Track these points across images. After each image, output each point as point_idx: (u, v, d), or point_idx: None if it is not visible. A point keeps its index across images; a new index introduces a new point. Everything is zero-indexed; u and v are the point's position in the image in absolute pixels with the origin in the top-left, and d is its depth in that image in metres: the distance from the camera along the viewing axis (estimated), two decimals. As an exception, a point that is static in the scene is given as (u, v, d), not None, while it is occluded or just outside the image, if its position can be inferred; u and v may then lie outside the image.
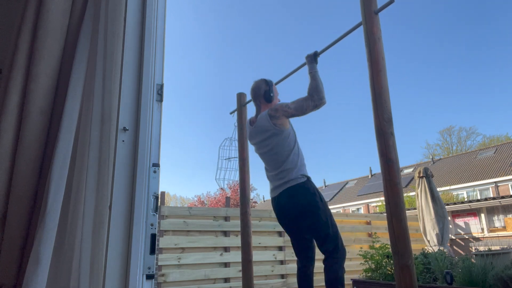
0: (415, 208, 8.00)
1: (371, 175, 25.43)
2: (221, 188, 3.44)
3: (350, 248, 6.14)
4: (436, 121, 42.30)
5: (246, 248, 3.18)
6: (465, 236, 9.09)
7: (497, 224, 8.94)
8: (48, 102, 1.14)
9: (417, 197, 6.79)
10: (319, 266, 2.59)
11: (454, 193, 18.54)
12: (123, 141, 1.21)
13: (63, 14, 1.20)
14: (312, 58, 2.61)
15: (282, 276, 5.26)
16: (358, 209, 21.95)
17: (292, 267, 5.33)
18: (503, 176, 17.75)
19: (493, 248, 6.04)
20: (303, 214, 2.44)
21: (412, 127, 44.95)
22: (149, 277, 1.17)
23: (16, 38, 1.16)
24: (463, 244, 8.97)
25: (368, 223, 6.70)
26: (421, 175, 6.76)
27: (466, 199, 16.82)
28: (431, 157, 26.32)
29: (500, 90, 40.29)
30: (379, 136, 1.98)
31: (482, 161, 20.46)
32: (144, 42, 1.32)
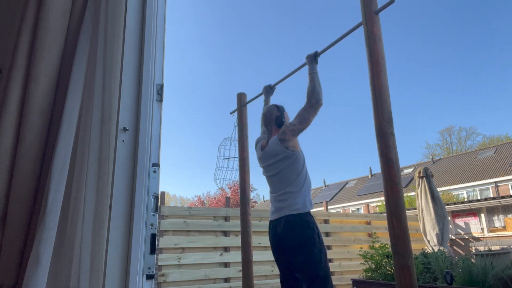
0: (415, 208, 8.00)
1: (371, 175, 25.43)
2: (221, 188, 3.43)
3: (350, 248, 6.14)
4: (436, 121, 42.33)
5: (246, 248, 3.18)
6: (465, 236, 9.09)
7: (497, 224, 8.94)
8: (48, 102, 1.14)
9: (417, 197, 6.79)
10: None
11: (454, 193, 18.55)
12: (123, 141, 1.21)
13: (63, 14, 1.20)
14: (312, 58, 2.61)
15: (282, 276, 5.26)
16: (358, 209, 21.95)
17: (292, 267, 5.33)
18: (503, 176, 17.75)
19: (493, 248, 6.04)
20: (298, 248, 2.34)
21: (412, 127, 44.97)
22: (149, 277, 1.17)
23: (16, 38, 1.16)
24: (463, 244, 8.97)
25: (368, 223, 6.70)
26: (421, 175, 6.76)
27: (466, 199, 16.82)
28: (431, 157, 26.32)
29: (500, 90, 40.32)
30: (379, 136, 1.98)
31: (482, 161, 20.46)
32: (144, 42, 1.32)
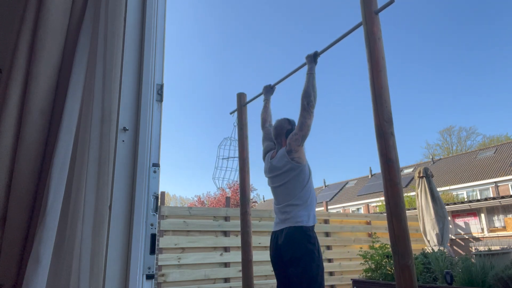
0: (415, 208, 8.00)
1: (371, 175, 25.43)
2: (220, 188, 3.43)
3: (350, 248, 6.14)
4: (436, 121, 42.33)
5: (246, 248, 3.18)
6: (465, 236, 9.09)
7: (497, 224, 8.94)
8: (48, 102, 1.14)
9: (417, 197, 6.79)
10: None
11: (454, 193, 18.55)
12: (123, 141, 1.21)
13: (63, 14, 1.20)
14: (312, 58, 2.61)
15: (282, 276, 5.26)
16: (358, 209, 21.95)
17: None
18: (503, 176, 17.75)
19: (493, 248, 6.04)
20: (296, 260, 2.32)
21: (412, 127, 44.97)
22: (149, 277, 1.17)
23: (16, 38, 1.16)
24: (463, 244, 8.97)
25: (368, 223, 6.70)
26: (421, 175, 6.76)
27: (466, 199, 16.82)
28: (431, 157, 26.32)
29: (500, 90, 40.32)
30: (379, 136, 1.98)
31: (482, 161, 20.46)
32: (144, 42, 1.32)
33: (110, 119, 1.13)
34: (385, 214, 1.99)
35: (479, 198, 13.26)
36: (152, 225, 1.19)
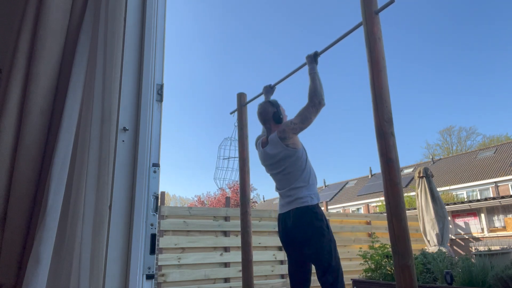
0: (415, 208, 8.00)
1: (371, 175, 25.43)
2: (221, 188, 3.44)
3: (350, 248, 6.14)
4: (436, 121, 42.33)
5: (246, 248, 3.18)
6: (465, 236, 9.09)
7: (497, 224, 8.94)
8: (48, 102, 1.14)
9: (417, 197, 6.79)
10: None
11: (454, 193, 18.54)
12: (123, 141, 1.21)
13: (63, 14, 1.20)
14: (312, 59, 2.61)
15: (282, 276, 5.26)
16: (358, 209, 21.95)
17: (292, 267, 5.33)
18: (503, 176, 17.75)
19: (493, 248, 6.04)
20: (308, 240, 2.38)
21: (412, 127, 44.97)
22: (149, 277, 1.17)
23: (16, 38, 1.16)
24: (463, 244, 8.97)
25: (368, 223, 6.70)
26: (421, 175, 6.75)
27: (466, 199, 16.82)
28: (431, 157, 26.32)
29: (500, 90, 40.31)
30: (379, 136, 1.98)
31: (482, 161, 20.46)
32: (144, 42, 1.32)
33: (110, 119, 1.13)
34: (385, 214, 1.99)
35: (479, 198, 13.26)
36: (152, 225, 1.19)
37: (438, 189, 7.07)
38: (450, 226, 8.85)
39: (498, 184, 17.92)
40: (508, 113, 38.27)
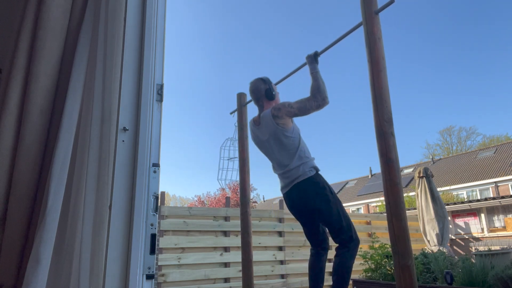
0: (415, 208, 8.00)
1: (371, 175, 25.42)
2: (222, 189, 3.45)
3: (350, 248, 6.13)
4: (436, 121, 42.32)
5: (246, 248, 3.18)
6: (465, 236, 9.09)
7: (497, 224, 8.94)
8: (48, 102, 1.14)
9: (417, 197, 6.79)
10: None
11: (454, 193, 18.54)
12: (123, 141, 1.21)
13: (63, 14, 1.20)
14: (313, 58, 2.61)
15: (282, 276, 5.26)
16: (358, 209, 21.94)
17: (292, 267, 5.33)
18: (503, 176, 17.74)
19: (493, 248, 6.04)
20: (315, 208, 2.48)
21: (412, 127, 44.97)
22: (149, 277, 1.17)
23: (16, 38, 1.16)
24: (463, 244, 8.97)
25: (368, 223, 6.70)
26: (421, 175, 6.75)
27: (466, 199, 16.82)
28: (431, 157, 26.31)
29: (500, 90, 40.31)
30: (379, 136, 1.98)
31: (482, 161, 20.46)
32: (144, 42, 1.32)
33: (110, 119, 1.13)
34: (385, 214, 1.99)
35: (479, 198, 13.25)
36: (152, 225, 1.19)
37: (438, 189, 7.06)
38: (450, 226, 8.85)
39: (498, 184, 17.91)
40: (508, 113, 38.29)
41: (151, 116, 1.27)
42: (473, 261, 3.77)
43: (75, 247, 1.03)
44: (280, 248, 5.35)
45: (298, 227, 5.63)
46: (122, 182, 1.19)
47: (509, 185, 17.51)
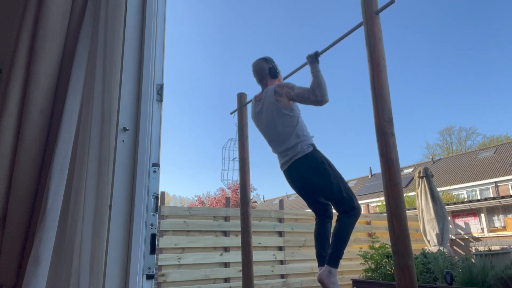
0: (415, 208, 8.00)
1: (371, 175, 25.42)
2: (223, 189, 3.47)
3: (350, 248, 6.14)
4: (436, 121, 42.33)
5: (246, 248, 3.18)
6: (465, 236, 9.09)
7: (497, 224, 8.94)
8: (48, 102, 1.14)
9: (417, 197, 6.78)
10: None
11: (454, 193, 18.53)
12: (123, 141, 1.21)
13: (63, 14, 1.20)
14: (313, 58, 2.62)
15: (282, 276, 5.26)
16: (358, 209, 21.91)
17: (292, 267, 5.33)
18: (503, 176, 17.74)
19: (493, 248, 6.04)
20: (315, 183, 2.52)
21: (412, 127, 44.97)
22: (149, 277, 1.17)
23: (16, 38, 1.16)
24: (463, 244, 8.97)
25: (368, 223, 6.70)
26: (421, 175, 6.75)
27: (466, 199, 16.81)
28: (431, 157, 26.31)
29: (500, 90, 40.31)
30: (379, 136, 1.98)
31: (482, 161, 20.45)
32: (144, 42, 1.32)
33: (110, 119, 1.13)
34: (385, 214, 1.99)
35: (479, 198, 13.25)
36: (152, 225, 1.19)
37: (438, 189, 7.06)
38: (450, 226, 8.85)
39: (498, 184, 17.91)
40: (508, 113, 38.29)
41: (151, 116, 1.27)
42: (473, 261, 3.77)
43: (75, 247, 1.03)
44: (280, 248, 5.35)
45: (298, 227, 5.64)
46: (122, 182, 1.18)
47: (509, 185, 17.50)
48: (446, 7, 41.50)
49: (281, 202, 6.01)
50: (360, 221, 6.68)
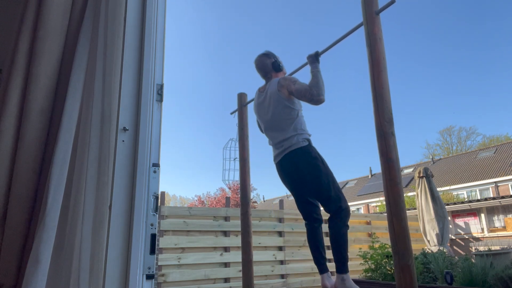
0: (415, 208, 8.00)
1: (371, 175, 25.42)
2: (223, 189, 3.48)
3: (350, 248, 6.13)
4: (436, 121, 42.33)
5: (246, 248, 3.18)
6: (465, 236, 9.09)
7: (497, 224, 8.94)
8: (48, 102, 1.14)
9: (417, 197, 6.78)
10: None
11: (454, 193, 18.53)
12: (123, 141, 1.21)
13: (63, 14, 1.20)
14: (314, 58, 2.62)
15: (282, 276, 5.26)
16: (358, 209, 21.93)
17: (292, 267, 5.33)
18: (503, 176, 17.74)
19: (493, 248, 6.04)
20: (305, 177, 2.52)
21: (412, 127, 44.97)
22: (149, 277, 1.17)
23: (16, 38, 1.16)
24: (463, 244, 8.97)
25: (368, 223, 6.70)
26: (421, 175, 6.75)
27: (466, 199, 16.81)
28: (431, 157, 26.30)
29: (500, 90, 40.31)
30: (379, 136, 1.98)
31: (482, 161, 20.45)
32: (144, 42, 1.32)
33: (110, 119, 1.13)
34: (385, 214, 1.99)
35: (479, 198, 13.26)
36: (152, 225, 1.19)
37: (438, 189, 7.06)
38: (450, 226, 8.85)
39: (498, 184, 17.91)
40: (508, 113, 38.29)
41: (151, 116, 1.27)
42: (473, 261, 3.77)
43: (75, 247, 1.03)
44: (280, 248, 5.35)
45: (298, 227, 5.64)
46: (122, 182, 1.18)
47: (509, 185, 17.50)
48: (446, 7, 41.51)
49: (281, 202, 6.01)
50: (360, 221, 6.68)
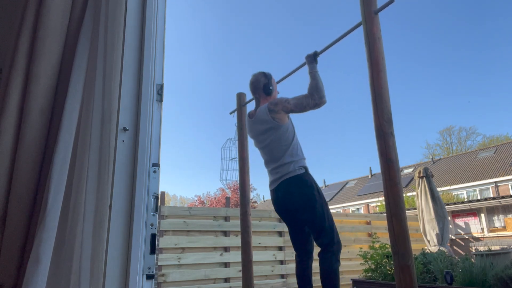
0: (415, 208, 8.00)
1: (371, 175, 25.42)
2: (223, 189, 3.47)
3: (350, 248, 6.14)
4: (436, 121, 42.34)
5: (246, 248, 3.18)
6: (465, 236, 9.09)
7: (497, 224, 8.94)
8: (48, 102, 1.14)
9: (417, 197, 6.78)
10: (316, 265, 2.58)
11: (454, 193, 18.53)
12: (123, 141, 1.21)
13: (63, 14, 1.20)
14: (312, 58, 2.62)
15: (282, 276, 5.26)
16: (358, 209, 21.94)
17: (292, 267, 5.32)
18: (503, 176, 17.74)
19: (493, 248, 6.04)
20: (300, 206, 2.47)
21: (412, 127, 44.97)
22: (149, 277, 1.17)
23: (16, 38, 1.16)
24: (463, 244, 8.97)
25: (368, 223, 6.70)
26: (421, 175, 6.75)
27: (466, 199, 16.81)
28: (431, 157, 26.31)
29: (500, 90, 40.32)
30: (379, 136, 1.98)
31: (482, 161, 20.45)
32: (144, 42, 1.32)
33: (110, 119, 1.13)
34: (385, 214, 1.99)
35: (479, 198, 13.25)
36: (152, 225, 1.19)
37: (438, 189, 7.06)
38: (450, 226, 8.85)
39: (498, 184, 17.91)
40: (508, 113, 38.30)
41: (151, 116, 1.27)
42: (473, 261, 3.77)
43: (75, 247, 1.03)
44: (280, 248, 5.35)
45: (298, 227, 5.63)
46: (122, 182, 1.19)
47: (509, 185, 17.50)
48: (446, 7, 41.51)
49: (281, 202, 6.01)
50: (360, 221, 6.68)
